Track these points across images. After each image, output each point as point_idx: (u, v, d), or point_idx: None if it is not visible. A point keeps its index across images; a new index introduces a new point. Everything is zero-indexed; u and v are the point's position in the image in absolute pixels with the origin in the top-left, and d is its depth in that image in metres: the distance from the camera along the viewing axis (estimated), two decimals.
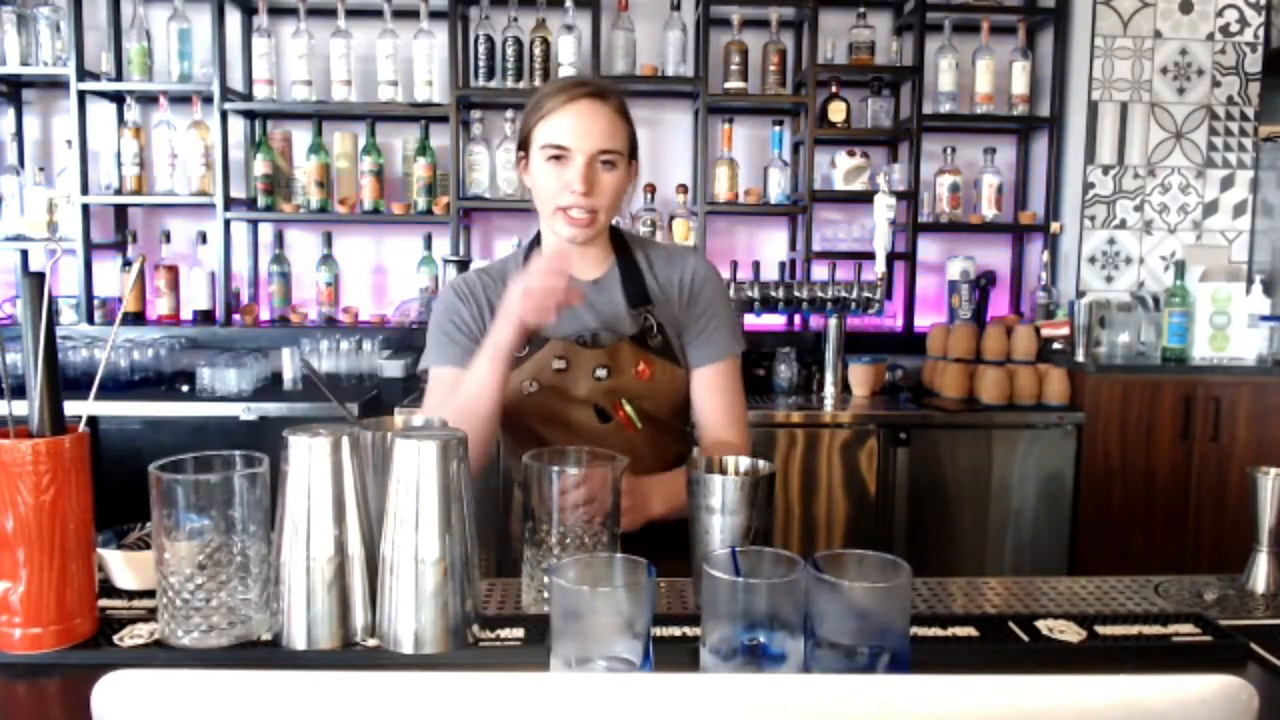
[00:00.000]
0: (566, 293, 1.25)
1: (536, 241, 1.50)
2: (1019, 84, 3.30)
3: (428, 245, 3.36)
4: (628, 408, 1.41)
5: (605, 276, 1.47)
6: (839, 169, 3.31)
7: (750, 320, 3.16)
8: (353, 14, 3.22)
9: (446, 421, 1.22)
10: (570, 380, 1.39)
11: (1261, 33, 3.25)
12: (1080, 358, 2.99)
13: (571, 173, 1.34)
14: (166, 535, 0.95)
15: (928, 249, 3.47)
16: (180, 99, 3.23)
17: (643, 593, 0.79)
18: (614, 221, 1.50)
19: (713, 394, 1.45)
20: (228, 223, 3.18)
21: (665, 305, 1.45)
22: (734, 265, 3.25)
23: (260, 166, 3.21)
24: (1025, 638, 1.03)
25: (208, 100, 3.18)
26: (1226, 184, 3.31)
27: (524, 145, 1.41)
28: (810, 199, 3.27)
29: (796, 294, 3.06)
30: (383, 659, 0.97)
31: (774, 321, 3.36)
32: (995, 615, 1.10)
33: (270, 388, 2.95)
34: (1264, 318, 3.04)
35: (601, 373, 1.38)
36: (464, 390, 1.32)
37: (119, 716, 0.53)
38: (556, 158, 1.34)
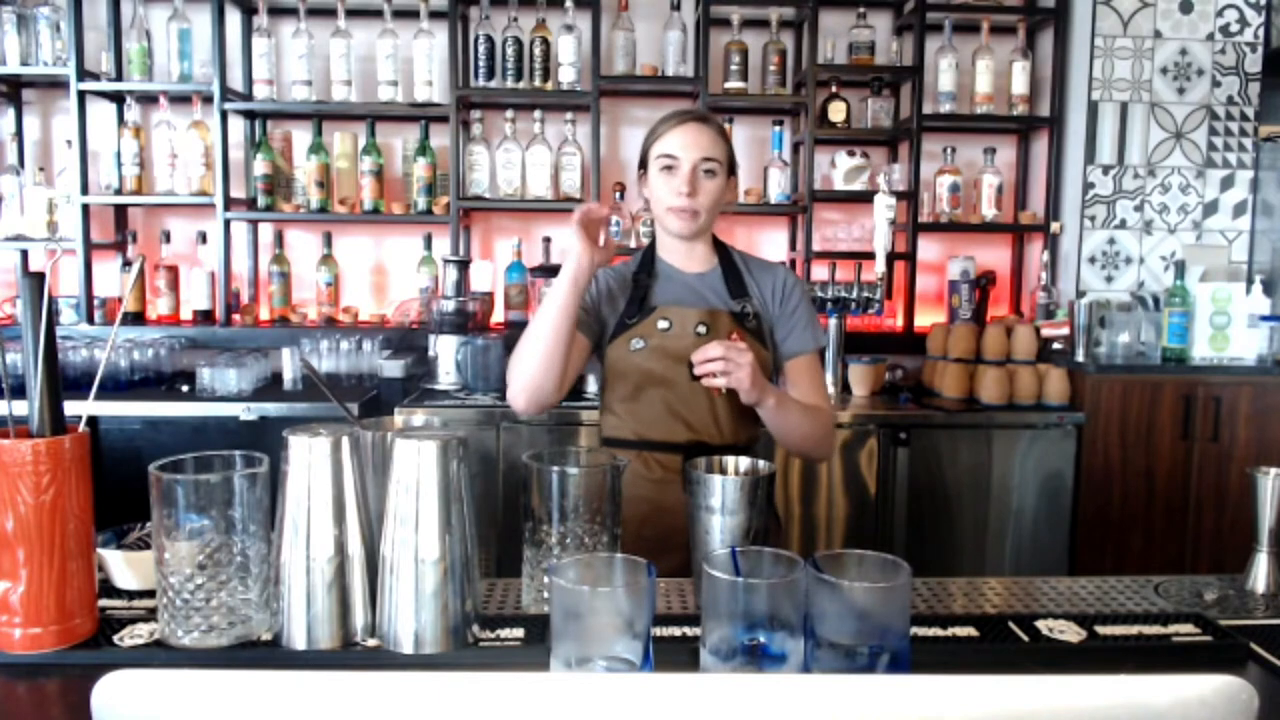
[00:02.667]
0: (604, 208, 1.51)
1: (653, 245, 1.73)
2: (1019, 84, 3.30)
3: (428, 245, 3.36)
4: None
5: (710, 271, 1.69)
6: (839, 169, 3.31)
7: None
8: (353, 14, 3.22)
9: (523, 336, 1.53)
10: (673, 337, 1.60)
11: (1261, 33, 3.25)
12: (1080, 358, 2.99)
13: (678, 178, 1.59)
14: (166, 535, 0.95)
15: (928, 249, 3.47)
16: (180, 99, 3.23)
17: (643, 593, 0.78)
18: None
19: (803, 377, 1.66)
20: (228, 223, 3.18)
21: (760, 302, 1.67)
22: None
23: (260, 166, 3.21)
24: (1025, 638, 1.03)
25: (208, 100, 3.18)
26: (1226, 184, 3.31)
27: (643, 164, 1.68)
28: (810, 199, 3.27)
29: None
30: (383, 659, 0.97)
31: None
32: (995, 615, 1.10)
33: (270, 388, 2.95)
34: (1264, 318, 3.04)
35: (701, 330, 1.59)
36: (537, 312, 1.53)
37: (119, 716, 0.53)
38: (668, 168, 1.60)
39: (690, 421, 1.60)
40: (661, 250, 1.72)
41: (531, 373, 1.50)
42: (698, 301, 1.64)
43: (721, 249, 1.73)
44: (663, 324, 1.62)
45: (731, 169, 1.68)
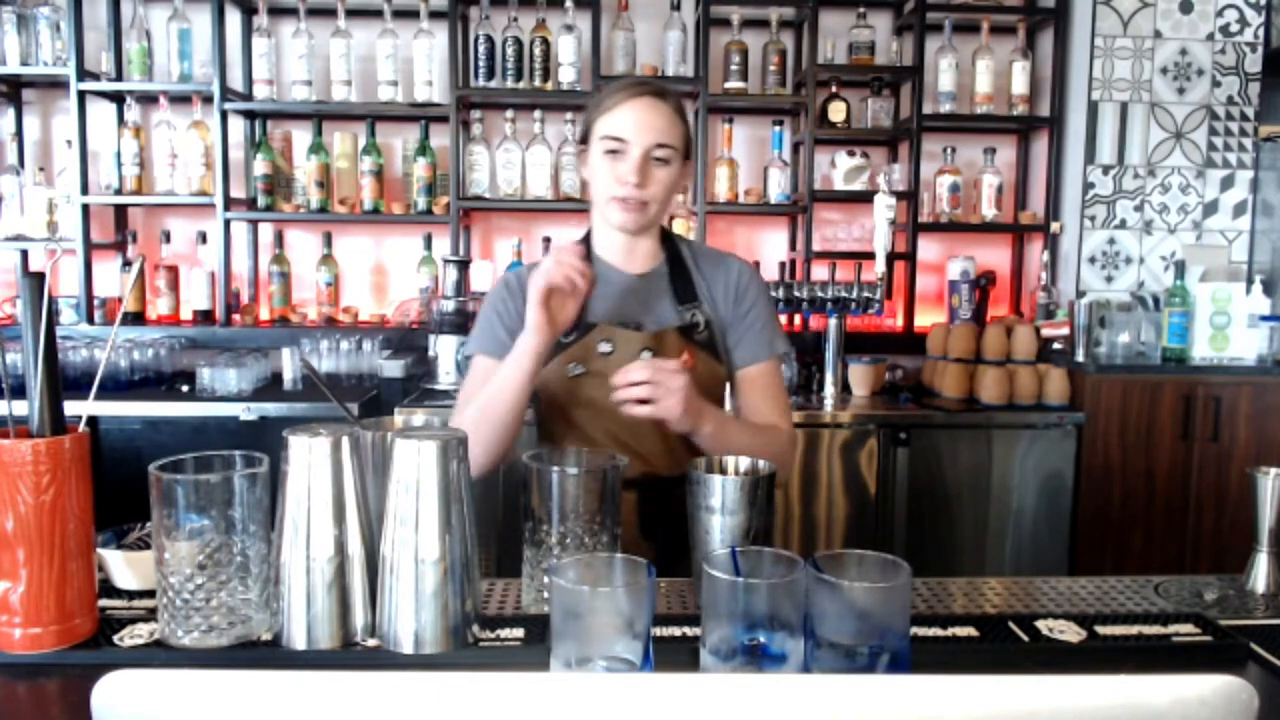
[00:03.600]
0: (581, 272, 1.29)
1: (588, 238, 1.54)
2: (1019, 84, 3.30)
3: (428, 245, 3.36)
4: None
5: (654, 272, 1.51)
6: (839, 169, 3.31)
7: None
8: (353, 14, 3.22)
9: (469, 415, 1.36)
10: (616, 363, 1.38)
11: (1261, 33, 3.25)
12: (1080, 358, 2.99)
13: (626, 165, 1.39)
14: (166, 535, 0.95)
15: (928, 249, 3.47)
16: (180, 99, 3.23)
17: (643, 593, 0.78)
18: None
19: (757, 391, 1.49)
20: (228, 223, 3.18)
21: (711, 304, 1.50)
22: None
23: (260, 166, 3.21)
24: (1025, 638, 1.03)
25: (208, 100, 3.18)
26: (1226, 184, 3.31)
27: (585, 139, 1.47)
28: (810, 199, 3.27)
29: (796, 294, 3.06)
30: (383, 659, 0.97)
31: None
32: (995, 615, 1.10)
33: (270, 388, 2.95)
34: (1264, 318, 3.04)
35: (647, 354, 1.40)
36: (488, 390, 1.36)
37: (119, 716, 0.53)
38: (614, 151, 1.39)
39: (641, 453, 1.41)
40: (599, 245, 1.51)
41: (492, 454, 1.35)
42: (641, 313, 1.46)
43: (669, 243, 1.54)
44: (604, 347, 1.42)
45: (687, 153, 1.47)
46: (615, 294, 1.48)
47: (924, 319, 3.36)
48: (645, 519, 1.44)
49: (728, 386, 1.53)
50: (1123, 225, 3.31)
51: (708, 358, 1.46)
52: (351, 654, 0.98)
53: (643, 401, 1.25)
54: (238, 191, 3.30)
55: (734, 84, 3.25)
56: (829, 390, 3.02)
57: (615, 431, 1.42)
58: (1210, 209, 3.32)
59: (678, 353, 1.43)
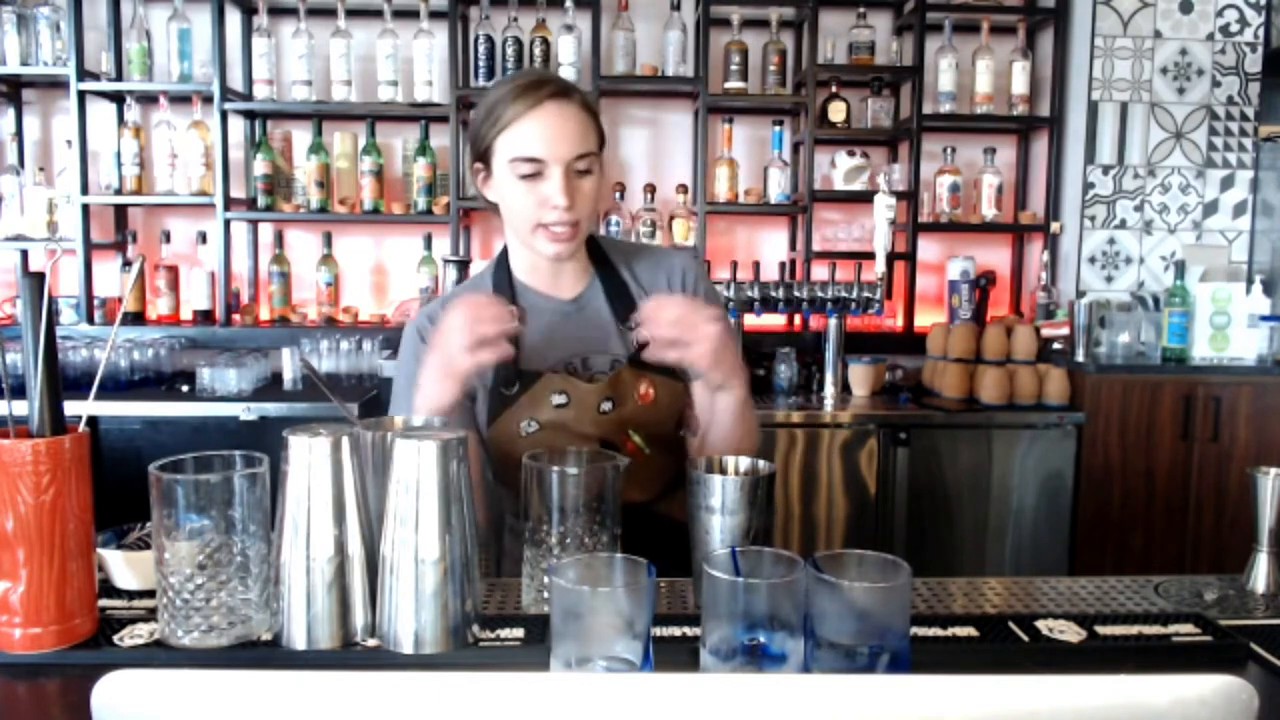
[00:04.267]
0: (500, 324, 1.12)
1: (505, 262, 1.37)
2: (1019, 84, 3.30)
3: (428, 245, 3.36)
4: (636, 438, 1.32)
5: (586, 292, 1.36)
6: (839, 169, 3.31)
7: (750, 320, 3.16)
8: (353, 14, 3.22)
9: None
10: (573, 417, 1.28)
11: (1261, 33, 3.25)
12: (1080, 358, 2.99)
13: (550, 186, 1.22)
14: (166, 535, 0.95)
15: (928, 249, 3.47)
16: (180, 99, 3.23)
17: (643, 593, 0.78)
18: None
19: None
20: (228, 223, 3.18)
21: None
22: (734, 265, 3.24)
23: (260, 166, 3.21)
24: (1025, 638, 1.03)
25: (208, 100, 3.18)
26: (1226, 184, 3.31)
27: (483, 158, 1.28)
28: (810, 199, 3.27)
29: (796, 294, 3.06)
30: (383, 659, 0.97)
31: (774, 321, 3.36)
32: (995, 615, 1.10)
33: (270, 388, 2.95)
34: (1264, 318, 3.04)
35: (606, 406, 1.29)
36: None
37: (119, 716, 0.53)
38: (531, 175, 1.22)
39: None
40: (519, 270, 1.34)
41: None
42: (583, 348, 1.31)
43: (596, 254, 1.36)
44: (558, 399, 1.27)
45: (601, 148, 1.30)
46: (549, 328, 1.32)
47: (924, 319, 3.36)
48: (625, 548, 1.37)
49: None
50: (1123, 225, 3.31)
51: (666, 380, 1.32)
52: (351, 654, 0.98)
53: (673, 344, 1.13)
54: (238, 191, 3.30)
55: (734, 84, 3.25)
56: (829, 390, 3.02)
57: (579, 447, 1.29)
58: (1210, 209, 3.32)
59: (635, 391, 1.31)
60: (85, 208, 3.16)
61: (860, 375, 3.05)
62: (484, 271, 1.42)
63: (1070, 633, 1.04)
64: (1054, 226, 3.37)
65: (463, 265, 3.01)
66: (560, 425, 1.28)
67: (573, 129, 1.23)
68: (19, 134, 3.30)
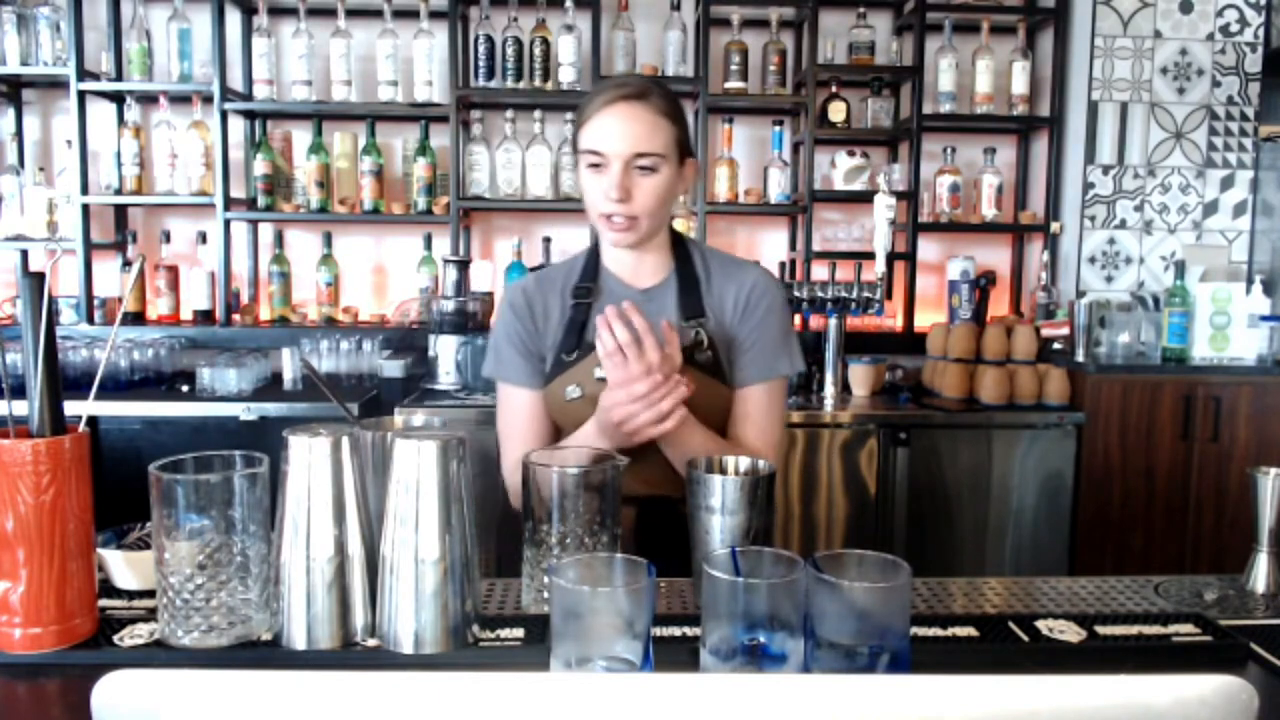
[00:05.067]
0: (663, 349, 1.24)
1: (596, 248, 1.47)
2: (1019, 84, 3.30)
3: (428, 245, 3.36)
4: None
5: (661, 285, 1.44)
6: (839, 169, 3.31)
7: None
8: (353, 14, 3.22)
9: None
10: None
11: (1261, 33, 3.25)
12: (1080, 358, 2.99)
13: (608, 180, 1.31)
14: (166, 535, 0.95)
15: (928, 249, 3.47)
16: (180, 99, 3.23)
17: (643, 593, 0.78)
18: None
19: (749, 413, 1.40)
20: (228, 223, 3.18)
21: (719, 319, 1.41)
22: None
23: (260, 166, 3.21)
24: (1025, 638, 1.03)
25: (208, 100, 3.18)
26: (1226, 184, 3.31)
27: (575, 148, 1.40)
28: (810, 199, 3.27)
29: (796, 294, 3.06)
30: (383, 659, 0.97)
31: None
32: (995, 615, 1.10)
33: (270, 388, 2.95)
34: (1264, 318, 3.04)
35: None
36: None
37: (119, 716, 0.53)
38: (595, 165, 1.33)
39: (645, 477, 1.35)
40: (606, 258, 1.45)
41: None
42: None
43: (681, 252, 1.45)
44: (599, 372, 1.34)
45: (685, 152, 1.39)
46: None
47: (924, 319, 3.36)
48: (642, 537, 1.39)
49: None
50: (1123, 225, 3.31)
51: (710, 381, 1.37)
52: (351, 654, 0.98)
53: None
54: (238, 191, 3.30)
55: (734, 84, 3.25)
56: (829, 390, 3.02)
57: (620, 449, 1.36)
58: (1210, 209, 3.32)
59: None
60: (85, 208, 3.16)
61: (860, 375, 3.05)
62: (576, 255, 1.51)
63: (1070, 633, 1.04)
64: (1054, 226, 3.37)
65: (463, 265, 3.01)
66: (598, 397, 1.33)
67: (637, 129, 1.31)
68: (19, 134, 3.30)
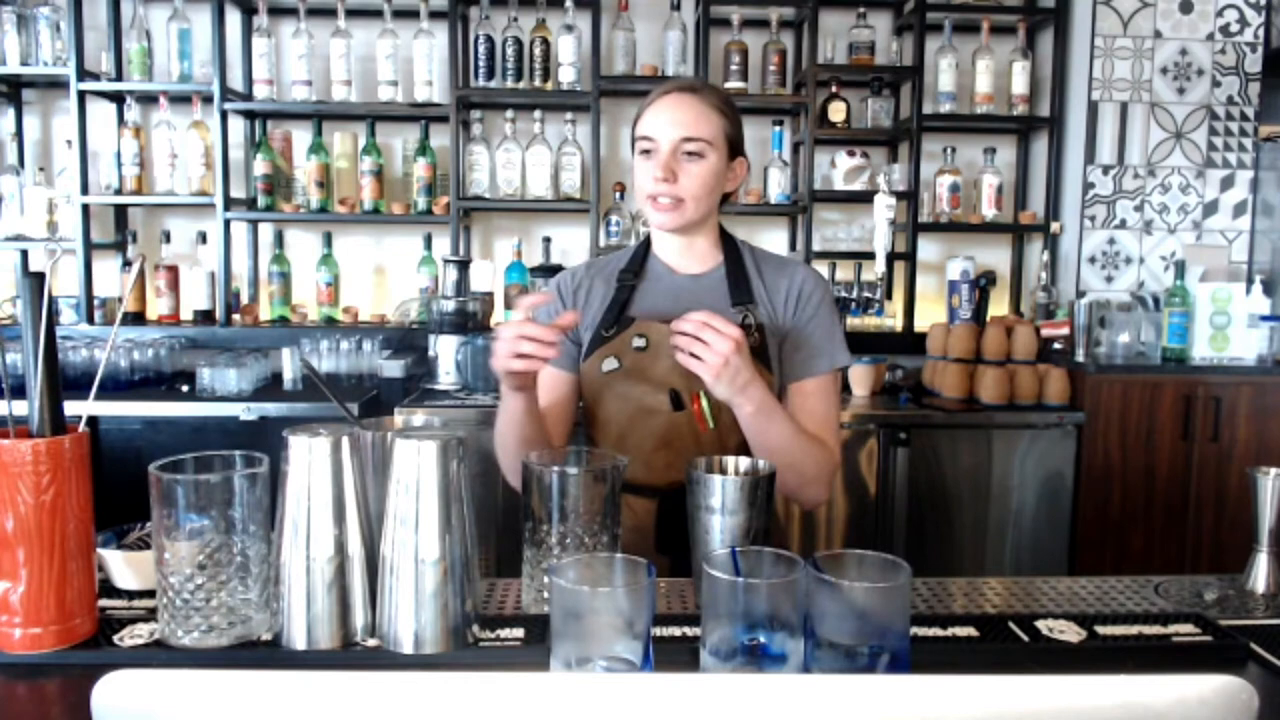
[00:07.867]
0: (537, 348, 1.19)
1: (648, 239, 1.51)
2: (1019, 84, 3.30)
3: (428, 245, 3.36)
4: (704, 401, 1.34)
5: (710, 274, 1.46)
6: (839, 169, 3.31)
7: None
8: (353, 14, 3.22)
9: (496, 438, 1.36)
10: (649, 359, 1.37)
11: (1261, 33, 3.25)
12: (1080, 358, 2.99)
13: (655, 161, 1.36)
14: (166, 535, 0.95)
15: (928, 249, 3.47)
16: (180, 99, 3.23)
17: (643, 593, 0.78)
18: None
19: (811, 407, 1.41)
20: (228, 223, 3.18)
21: (769, 310, 1.43)
22: None
23: (260, 166, 3.21)
24: (1025, 638, 1.03)
25: (208, 100, 3.18)
26: (1226, 184, 3.31)
27: (634, 146, 1.45)
28: (810, 199, 3.27)
29: None
30: (383, 659, 0.97)
31: None
32: (995, 615, 1.10)
33: (270, 388, 2.95)
34: (1264, 318, 3.04)
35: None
36: (499, 419, 1.36)
37: (119, 716, 0.53)
38: (646, 150, 1.38)
39: (674, 460, 1.36)
40: (656, 246, 1.49)
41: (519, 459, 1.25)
42: (683, 312, 1.32)
43: (730, 245, 1.48)
44: (638, 341, 1.37)
45: (736, 149, 1.42)
46: (663, 292, 1.44)
47: (924, 319, 3.35)
48: (663, 529, 1.39)
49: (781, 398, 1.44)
50: (1123, 225, 3.31)
51: (755, 365, 1.33)
52: (351, 654, 0.98)
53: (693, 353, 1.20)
54: (238, 191, 3.30)
55: (734, 84, 3.25)
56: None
57: (654, 428, 1.38)
58: (1210, 209, 3.32)
59: None
60: (85, 208, 3.16)
61: (860, 375, 3.05)
62: (629, 248, 1.55)
63: (1070, 633, 1.04)
64: (1054, 226, 3.37)
65: (463, 265, 3.01)
66: (638, 370, 1.37)
67: (685, 116, 1.36)
68: (19, 134, 3.30)
